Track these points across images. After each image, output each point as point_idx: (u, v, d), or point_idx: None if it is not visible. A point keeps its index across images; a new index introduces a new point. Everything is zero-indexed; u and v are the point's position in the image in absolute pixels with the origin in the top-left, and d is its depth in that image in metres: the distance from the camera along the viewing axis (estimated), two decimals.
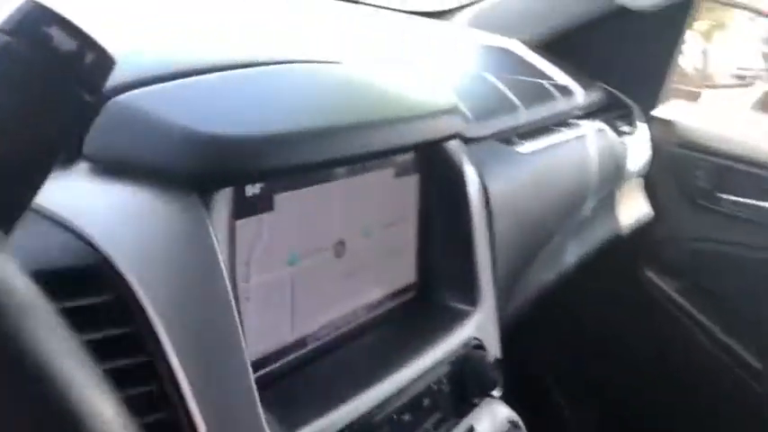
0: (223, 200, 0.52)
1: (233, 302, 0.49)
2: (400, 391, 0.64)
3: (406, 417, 0.64)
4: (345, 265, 0.67)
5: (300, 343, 0.63)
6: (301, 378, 0.61)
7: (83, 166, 0.48)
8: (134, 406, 0.40)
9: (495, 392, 0.74)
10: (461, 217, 0.78)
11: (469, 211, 0.77)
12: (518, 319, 1.00)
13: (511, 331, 0.88)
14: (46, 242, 0.42)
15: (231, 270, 0.54)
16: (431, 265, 0.78)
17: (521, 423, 0.80)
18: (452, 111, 0.75)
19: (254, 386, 0.50)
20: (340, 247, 0.66)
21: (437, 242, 0.78)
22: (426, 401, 0.68)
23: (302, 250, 0.61)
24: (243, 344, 0.50)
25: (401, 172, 0.73)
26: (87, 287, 0.43)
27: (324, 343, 0.65)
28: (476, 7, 1.37)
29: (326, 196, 0.64)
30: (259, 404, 0.50)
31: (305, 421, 0.54)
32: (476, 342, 0.75)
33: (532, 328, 1.16)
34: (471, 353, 0.74)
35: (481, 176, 0.83)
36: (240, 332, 0.50)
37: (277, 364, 0.60)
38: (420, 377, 0.67)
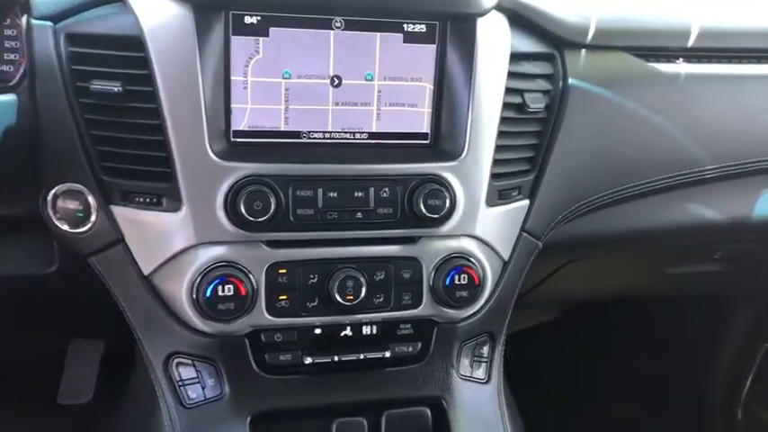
0: (220, 20, 0.90)
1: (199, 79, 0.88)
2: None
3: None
4: (341, 95, 0.96)
5: (294, 134, 0.97)
6: None
7: None
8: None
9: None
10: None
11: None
12: None
13: None
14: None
15: (226, 66, 0.91)
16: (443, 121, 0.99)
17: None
18: None
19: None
20: (336, 80, 0.96)
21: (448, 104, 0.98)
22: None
23: (296, 71, 0.94)
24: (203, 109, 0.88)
25: (412, 39, 0.96)
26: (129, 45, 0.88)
27: (315, 142, 0.97)
28: None
29: (324, 40, 0.93)
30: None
31: None
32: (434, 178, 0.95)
33: None
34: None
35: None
36: (202, 105, 0.88)
37: (273, 140, 0.95)
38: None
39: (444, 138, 0.99)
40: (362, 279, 0.94)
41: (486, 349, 1.10)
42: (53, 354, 1.72)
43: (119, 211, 0.93)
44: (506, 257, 1.05)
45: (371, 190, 0.94)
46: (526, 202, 1.05)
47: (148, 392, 1.02)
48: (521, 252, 1.06)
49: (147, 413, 1.01)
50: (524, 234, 1.06)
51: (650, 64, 1.11)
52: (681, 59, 1.12)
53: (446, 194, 0.94)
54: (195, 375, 0.98)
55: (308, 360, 0.98)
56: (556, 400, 1.78)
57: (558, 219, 1.09)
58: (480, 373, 1.09)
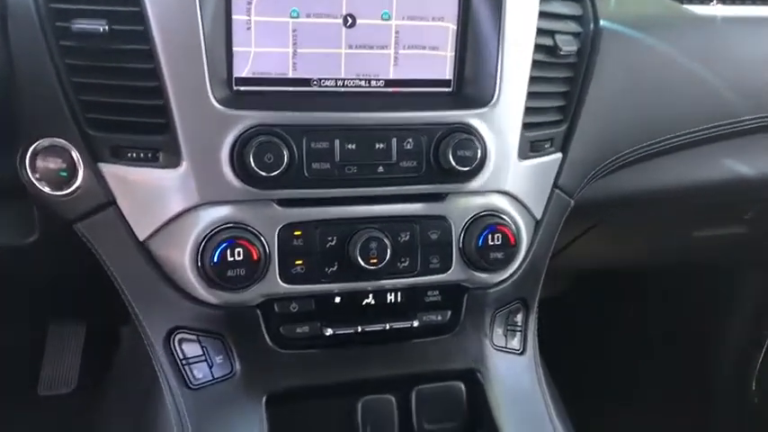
0: None
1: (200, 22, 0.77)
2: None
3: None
4: (355, 37, 0.86)
5: (303, 82, 0.86)
6: None
7: None
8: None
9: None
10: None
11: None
12: None
13: None
14: None
15: (227, 2, 0.81)
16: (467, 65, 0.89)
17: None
18: None
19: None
20: (349, 19, 0.85)
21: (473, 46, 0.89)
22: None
23: (305, 9, 0.84)
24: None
25: None
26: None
27: (327, 90, 0.87)
28: None
29: None
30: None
31: None
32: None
33: None
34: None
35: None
36: (202, 44, 0.78)
37: (280, 88, 0.85)
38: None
39: (469, 83, 0.89)
40: (387, 241, 0.84)
41: (519, 317, 1.00)
42: (31, 340, 1.59)
43: (108, 170, 0.82)
44: (538, 216, 0.96)
45: (394, 141, 0.84)
46: (559, 155, 0.96)
47: (146, 375, 0.91)
48: (553, 210, 0.97)
49: (147, 397, 0.91)
50: (557, 190, 0.97)
51: (685, 6, 1.03)
52: (716, 1, 1.04)
53: (477, 145, 0.85)
54: (201, 353, 0.88)
55: (329, 332, 0.87)
56: (569, 370, 1.72)
57: (590, 174, 1.00)
58: (515, 342, 1.00)
